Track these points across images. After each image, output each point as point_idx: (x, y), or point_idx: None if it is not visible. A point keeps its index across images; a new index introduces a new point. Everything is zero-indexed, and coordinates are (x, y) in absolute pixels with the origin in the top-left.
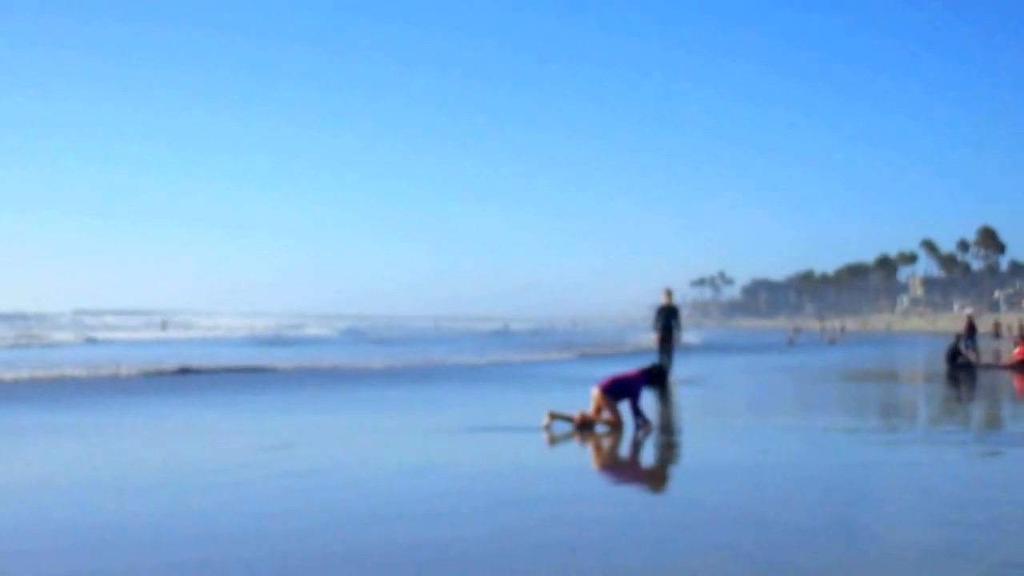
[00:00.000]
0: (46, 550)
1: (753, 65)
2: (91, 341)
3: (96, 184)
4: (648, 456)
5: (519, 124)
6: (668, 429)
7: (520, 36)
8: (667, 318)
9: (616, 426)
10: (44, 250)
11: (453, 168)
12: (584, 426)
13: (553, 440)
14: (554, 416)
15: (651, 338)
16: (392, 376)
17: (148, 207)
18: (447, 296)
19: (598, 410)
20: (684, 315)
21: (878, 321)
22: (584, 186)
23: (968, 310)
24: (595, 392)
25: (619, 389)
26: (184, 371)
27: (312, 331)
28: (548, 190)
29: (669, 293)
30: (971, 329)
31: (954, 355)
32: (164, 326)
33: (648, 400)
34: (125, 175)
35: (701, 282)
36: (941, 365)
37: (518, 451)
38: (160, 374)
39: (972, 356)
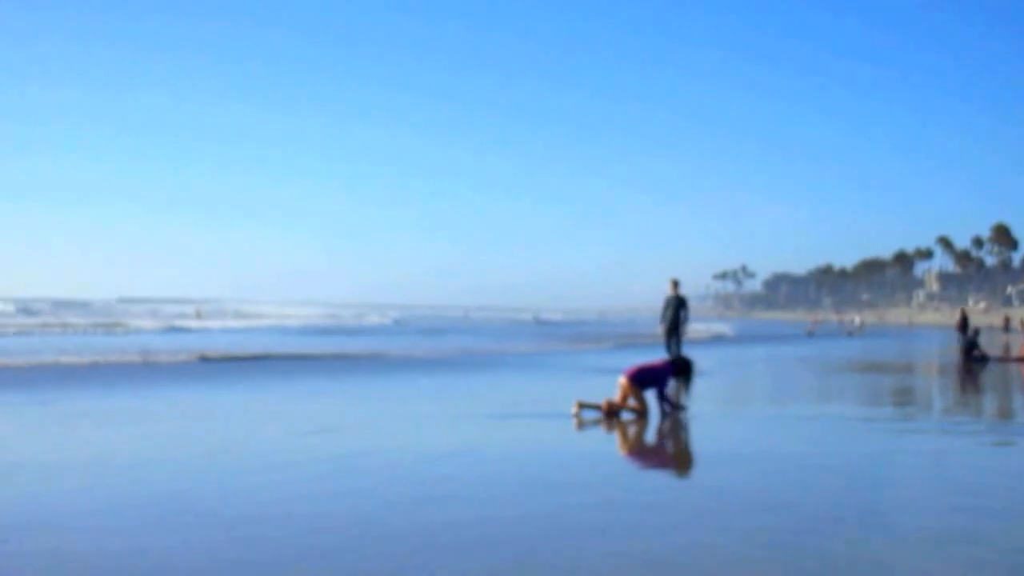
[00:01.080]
0: (106, 527)
1: (775, 64)
2: (171, 329)
3: (142, 176)
4: (672, 443)
5: (549, 121)
6: (691, 417)
7: (554, 36)
8: (675, 309)
9: (642, 413)
10: (87, 239)
11: (485, 164)
12: (611, 413)
13: (581, 426)
14: (583, 405)
15: (660, 329)
16: (442, 364)
17: (187, 198)
18: (475, 286)
19: (625, 398)
20: (696, 306)
21: (898, 315)
22: (609, 182)
23: (964, 306)
24: (622, 380)
25: (646, 378)
26: (261, 358)
27: (370, 320)
28: (574, 185)
29: (676, 283)
30: (964, 324)
31: (969, 348)
32: (199, 314)
33: (671, 390)
34: (166, 167)
35: (723, 275)
36: (956, 357)
37: (548, 437)
38: (238, 359)
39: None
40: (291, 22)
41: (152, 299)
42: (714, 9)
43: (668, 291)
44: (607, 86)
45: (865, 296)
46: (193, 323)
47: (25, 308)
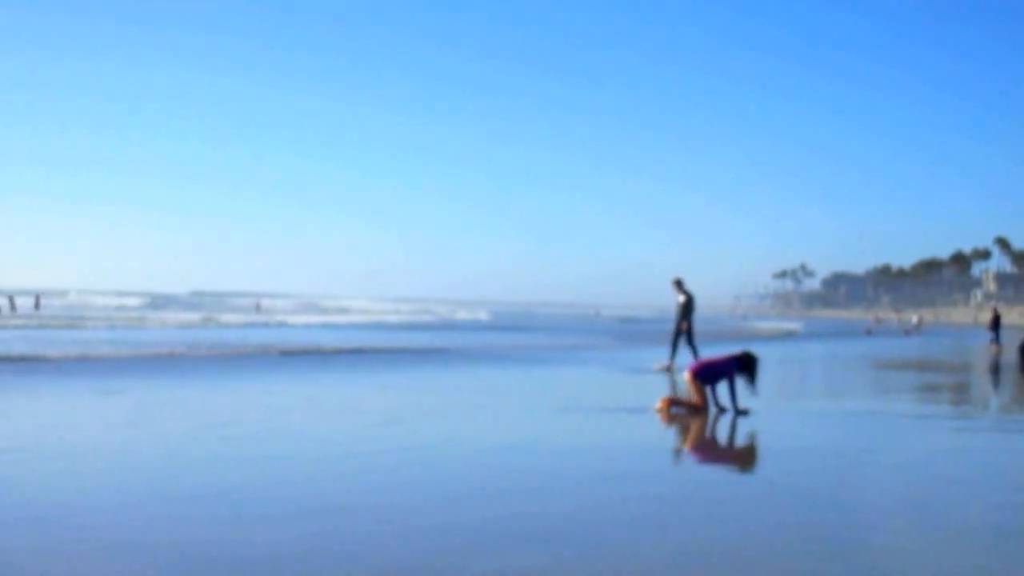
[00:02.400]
0: (175, 515)
1: (831, 73)
2: (271, 324)
3: (223, 164)
4: (731, 438)
5: (612, 120)
6: (749, 412)
7: (616, 38)
8: (684, 308)
9: (701, 409)
10: (161, 235)
11: (553, 162)
12: (675, 408)
13: (641, 420)
14: (673, 401)
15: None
16: (519, 358)
17: (271, 190)
18: (536, 284)
19: (699, 393)
20: (755, 305)
21: (958, 314)
22: (671, 183)
23: (994, 303)
24: (686, 375)
25: (708, 373)
26: (356, 351)
27: (463, 316)
28: (635, 184)
29: (678, 283)
30: (996, 322)
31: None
32: (258, 308)
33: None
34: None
35: (783, 274)
36: (1013, 357)
37: (607, 430)
38: (317, 352)
39: (994, 349)
40: (384, 22)
41: (225, 292)
42: (775, 17)
43: (675, 292)
44: (667, 91)
45: (922, 295)
46: (289, 318)
47: (155, 302)
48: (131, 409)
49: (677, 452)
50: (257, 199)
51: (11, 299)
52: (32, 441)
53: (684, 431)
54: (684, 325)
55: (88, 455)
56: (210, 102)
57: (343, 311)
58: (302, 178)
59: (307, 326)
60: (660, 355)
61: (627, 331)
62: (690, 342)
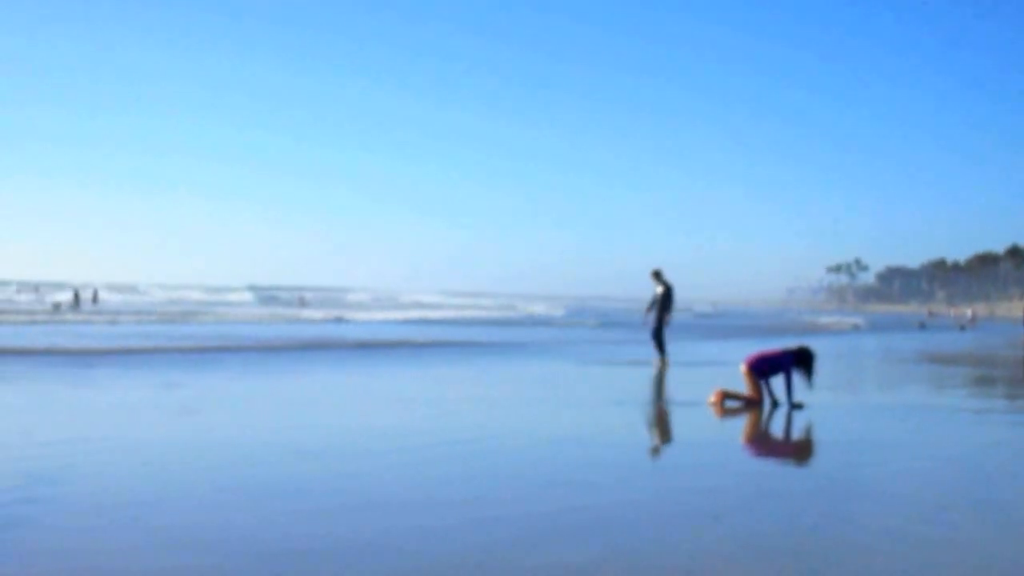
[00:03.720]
0: (229, 504)
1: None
2: (338, 320)
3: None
4: (786, 431)
5: (659, 116)
6: (804, 405)
7: (671, 34)
8: (663, 300)
9: (755, 402)
10: (219, 228)
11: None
12: (729, 401)
13: (695, 413)
14: (726, 395)
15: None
16: (583, 353)
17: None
18: (581, 277)
19: (754, 386)
20: (809, 299)
21: (1017, 309)
22: (720, 179)
23: None
24: (742, 368)
25: (764, 367)
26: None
27: (537, 310)
28: (679, 178)
29: (657, 274)
30: None
31: None
32: (302, 302)
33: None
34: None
35: (837, 268)
36: None
37: (663, 423)
38: (386, 345)
39: None
40: (444, 17)
41: (280, 287)
42: (828, 18)
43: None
44: (714, 88)
45: (977, 290)
46: (361, 314)
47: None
48: (191, 400)
49: (731, 445)
50: (315, 190)
51: (76, 294)
52: (106, 431)
53: (738, 424)
54: (667, 317)
55: (148, 445)
56: (287, 96)
57: (424, 306)
58: (356, 170)
59: (402, 322)
60: (720, 349)
61: (700, 325)
62: (657, 336)
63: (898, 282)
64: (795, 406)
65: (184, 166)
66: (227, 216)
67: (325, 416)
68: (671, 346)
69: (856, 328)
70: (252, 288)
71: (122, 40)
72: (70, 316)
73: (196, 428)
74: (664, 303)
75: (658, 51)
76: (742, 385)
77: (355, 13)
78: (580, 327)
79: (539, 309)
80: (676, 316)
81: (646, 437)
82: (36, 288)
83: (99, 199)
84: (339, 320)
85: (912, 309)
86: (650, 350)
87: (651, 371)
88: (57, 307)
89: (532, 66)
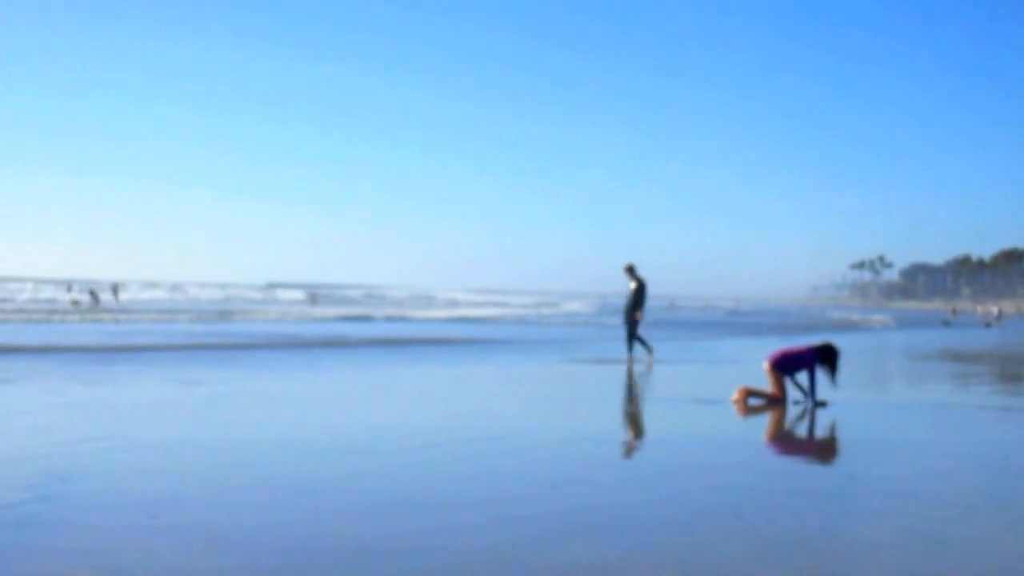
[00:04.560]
0: (253, 502)
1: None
2: (389, 319)
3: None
4: (809, 429)
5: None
6: (828, 403)
7: (695, 33)
8: (636, 296)
9: (778, 400)
10: (237, 227)
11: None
12: (752, 399)
13: (718, 411)
14: (749, 392)
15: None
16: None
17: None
18: (602, 274)
19: (777, 384)
20: (833, 295)
21: None
22: (745, 176)
23: None
24: (765, 365)
25: (787, 364)
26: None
27: (572, 308)
28: (704, 175)
29: (630, 269)
30: None
31: None
32: (314, 300)
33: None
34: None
35: (861, 265)
36: None
37: (682, 422)
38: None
39: None
40: (484, 17)
41: (298, 284)
42: (849, 16)
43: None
44: (735, 86)
45: (1003, 287)
46: (418, 313)
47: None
48: (217, 397)
49: (754, 443)
50: (342, 187)
51: (93, 293)
52: (128, 430)
53: (761, 422)
54: (638, 314)
55: (166, 443)
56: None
57: (460, 304)
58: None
59: (445, 320)
60: (744, 347)
61: (726, 323)
62: (630, 333)
63: (922, 279)
64: (818, 404)
65: (221, 164)
66: (246, 215)
67: (357, 413)
68: (695, 343)
69: (885, 326)
70: (270, 285)
71: (153, 33)
72: (89, 314)
73: (216, 425)
74: (636, 299)
75: (691, 54)
76: (765, 383)
77: (393, 10)
78: (612, 327)
79: (574, 307)
80: (701, 314)
81: (668, 435)
82: (69, 287)
83: (140, 194)
84: (404, 319)
85: (936, 306)
86: (670, 349)
87: (669, 369)
88: (75, 304)
89: (566, 65)
